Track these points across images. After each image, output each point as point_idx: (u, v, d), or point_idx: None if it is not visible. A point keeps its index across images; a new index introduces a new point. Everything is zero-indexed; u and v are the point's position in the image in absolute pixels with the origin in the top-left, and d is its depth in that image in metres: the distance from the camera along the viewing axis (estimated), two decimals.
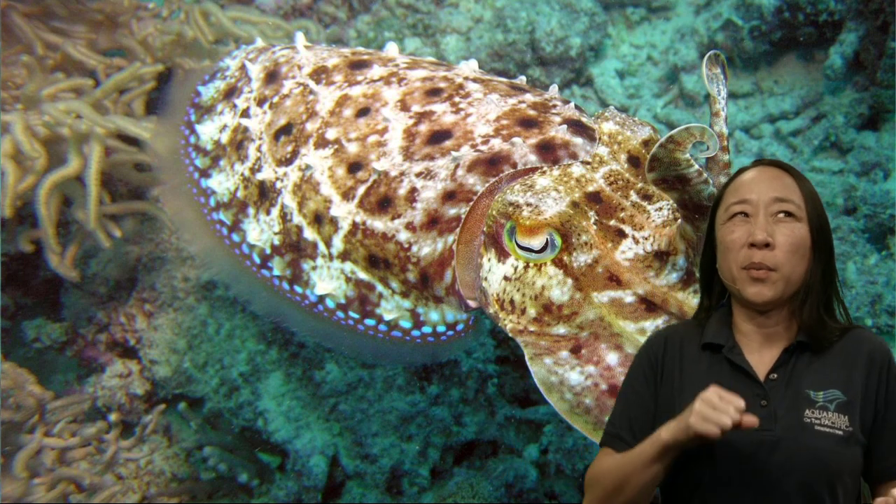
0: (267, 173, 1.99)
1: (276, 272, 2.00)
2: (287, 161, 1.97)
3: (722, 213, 1.34)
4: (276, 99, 2.08)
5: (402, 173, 1.82)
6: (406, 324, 1.90)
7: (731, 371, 1.31)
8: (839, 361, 1.30)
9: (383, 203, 1.82)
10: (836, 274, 1.37)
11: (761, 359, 1.32)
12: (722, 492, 1.27)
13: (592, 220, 1.68)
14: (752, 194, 1.31)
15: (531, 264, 1.69)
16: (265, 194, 1.99)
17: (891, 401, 1.28)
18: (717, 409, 1.16)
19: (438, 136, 1.84)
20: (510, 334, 1.71)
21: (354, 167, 1.87)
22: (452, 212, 1.78)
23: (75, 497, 2.78)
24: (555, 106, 1.91)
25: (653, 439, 1.24)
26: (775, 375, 1.29)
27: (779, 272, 1.27)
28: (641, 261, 1.65)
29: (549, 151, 1.78)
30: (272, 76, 2.15)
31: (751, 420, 1.16)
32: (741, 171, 1.36)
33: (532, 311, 1.69)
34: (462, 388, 3.12)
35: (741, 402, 1.16)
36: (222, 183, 2.09)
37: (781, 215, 1.29)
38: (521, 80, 2.16)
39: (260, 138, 2.05)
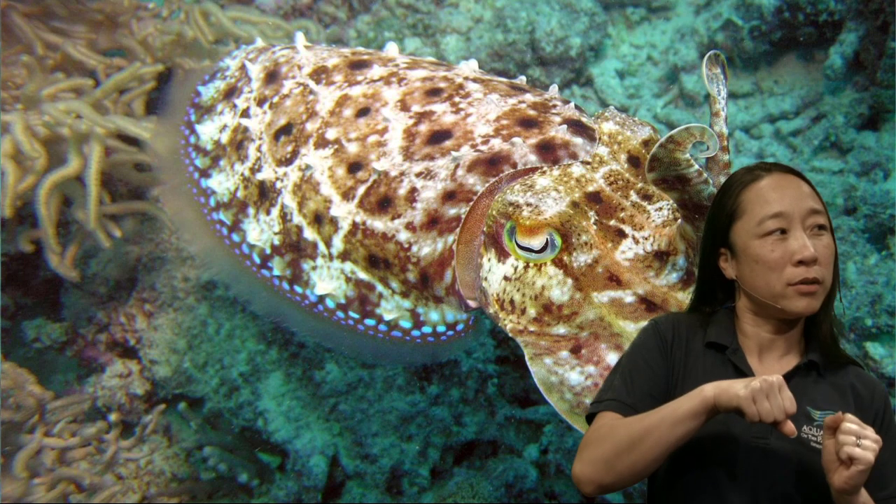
0: (267, 173, 1.99)
1: (276, 272, 2.00)
2: (287, 161, 1.97)
3: (753, 227, 1.31)
4: (276, 99, 2.08)
5: (402, 173, 1.82)
6: (406, 324, 1.90)
7: (733, 373, 1.31)
8: (839, 388, 1.31)
9: (383, 203, 1.82)
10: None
11: (761, 364, 1.33)
12: (709, 492, 1.27)
13: (592, 220, 1.68)
14: (785, 207, 1.29)
15: (531, 264, 1.69)
16: (265, 194, 1.99)
17: (892, 440, 1.29)
18: (770, 397, 1.15)
19: (438, 136, 1.84)
20: (510, 334, 1.71)
21: (354, 167, 1.87)
22: (452, 212, 1.78)
23: (75, 497, 2.78)
24: (555, 106, 1.91)
25: (692, 395, 1.20)
26: None
27: (822, 285, 1.28)
28: (641, 261, 1.65)
29: (549, 151, 1.78)
30: (272, 76, 2.15)
31: (790, 429, 1.16)
32: (756, 178, 1.33)
33: (532, 311, 1.69)
34: (462, 388, 3.12)
35: (794, 407, 1.16)
36: (222, 183, 2.09)
37: (817, 228, 1.29)
38: (521, 80, 2.16)
39: (260, 138, 2.05)
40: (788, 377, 1.29)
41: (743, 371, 1.31)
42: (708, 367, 1.34)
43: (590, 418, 1.36)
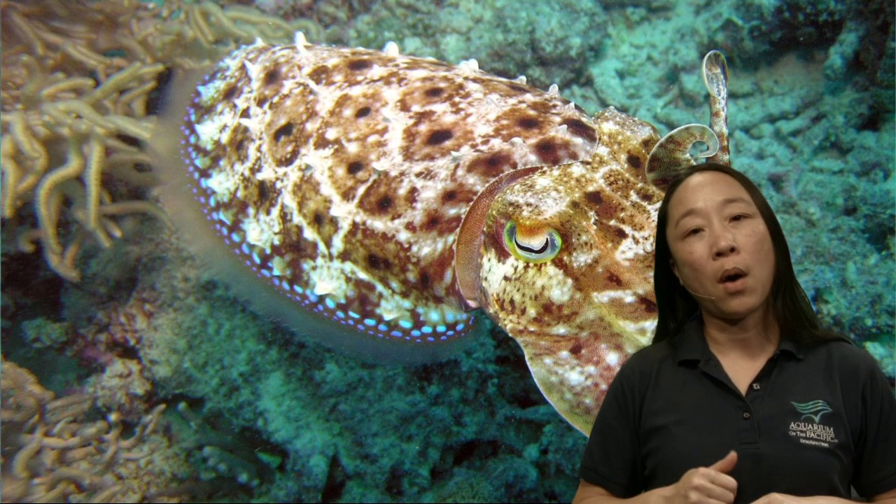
0: (267, 173, 1.99)
1: (276, 272, 2.00)
2: (287, 161, 1.97)
3: (673, 231, 1.30)
4: (276, 99, 2.08)
5: (402, 173, 1.82)
6: (406, 324, 1.90)
7: (710, 386, 1.29)
8: (823, 373, 1.28)
9: (383, 203, 1.82)
10: (792, 268, 1.35)
11: (741, 368, 1.30)
12: None
13: (592, 220, 1.68)
14: (699, 202, 1.27)
15: (531, 264, 1.69)
16: (265, 194, 1.99)
17: (876, 416, 1.26)
18: (711, 495, 1.16)
19: (438, 136, 1.84)
20: (510, 334, 1.71)
21: (354, 167, 1.87)
22: (452, 212, 1.78)
23: (75, 497, 2.78)
24: (555, 106, 1.91)
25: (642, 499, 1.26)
26: (758, 386, 1.27)
27: (752, 276, 1.25)
28: (641, 261, 1.65)
29: (549, 151, 1.78)
30: (272, 76, 2.15)
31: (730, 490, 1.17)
32: (678, 182, 1.33)
33: (532, 311, 1.69)
34: (462, 388, 3.12)
35: (733, 482, 1.17)
36: (222, 183, 2.09)
37: (737, 217, 1.26)
38: (521, 80, 2.16)
39: (260, 138, 2.05)
40: (765, 374, 1.27)
41: (718, 380, 1.28)
42: (684, 385, 1.31)
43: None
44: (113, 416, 3.14)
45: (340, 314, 1.94)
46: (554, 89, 2.03)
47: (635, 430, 1.33)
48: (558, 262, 1.68)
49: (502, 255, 1.73)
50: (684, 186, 1.31)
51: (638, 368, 1.37)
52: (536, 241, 1.67)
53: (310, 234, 1.92)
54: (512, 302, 1.71)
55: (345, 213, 1.86)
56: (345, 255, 1.88)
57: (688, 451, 1.26)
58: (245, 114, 2.11)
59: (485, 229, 1.76)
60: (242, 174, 2.05)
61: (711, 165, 1.35)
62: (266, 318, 2.66)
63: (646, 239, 1.66)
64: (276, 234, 1.97)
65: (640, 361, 1.39)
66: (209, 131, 2.16)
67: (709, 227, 1.26)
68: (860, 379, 1.27)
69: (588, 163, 1.77)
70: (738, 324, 1.29)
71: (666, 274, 1.35)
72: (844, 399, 1.25)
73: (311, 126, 1.98)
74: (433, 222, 1.79)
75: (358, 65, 2.09)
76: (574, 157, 1.78)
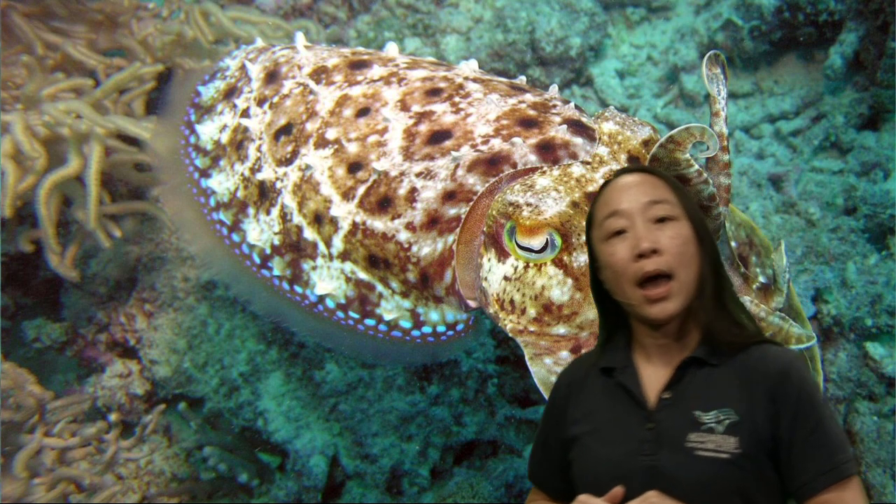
0: (267, 173, 1.99)
1: (276, 272, 2.00)
2: (287, 161, 1.97)
3: (597, 232, 1.28)
4: (276, 99, 2.08)
5: (402, 173, 1.82)
6: (406, 324, 1.90)
7: (622, 395, 1.27)
8: (737, 377, 1.23)
9: (383, 203, 1.82)
10: (724, 268, 1.31)
11: (660, 376, 1.27)
12: None
13: None
14: (623, 204, 1.25)
15: (531, 264, 1.69)
16: (265, 194, 1.99)
17: (789, 420, 1.20)
18: None
19: (438, 136, 1.84)
20: (510, 334, 1.71)
21: (354, 167, 1.87)
22: (452, 212, 1.78)
23: (75, 497, 2.78)
24: (555, 106, 1.91)
25: None
26: (668, 395, 1.24)
27: (676, 279, 1.21)
28: None
29: (549, 151, 1.78)
30: (272, 76, 2.15)
31: None
32: (606, 184, 1.31)
33: (532, 311, 1.69)
34: (462, 388, 3.12)
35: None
36: (222, 183, 2.09)
37: (661, 219, 1.23)
38: (521, 80, 2.16)
39: (260, 138, 2.05)
40: (675, 382, 1.24)
41: (630, 390, 1.27)
42: (601, 393, 1.30)
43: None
44: (113, 416, 3.14)
45: (340, 314, 1.94)
46: (554, 89, 2.03)
47: (560, 440, 1.33)
48: (558, 262, 1.68)
49: (502, 255, 1.73)
50: (610, 187, 1.29)
51: (569, 376, 1.37)
52: (536, 241, 1.67)
53: (310, 234, 1.92)
54: (512, 302, 1.71)
55: (345, 213, 1.86)
56: (345, 255, 1.88)
57: (595, 464, 1.26)
58: (245, 114, 2.11)
59: (485, 229, 1.76)
60: (242, 174, 2.05)
61: (640, 167, 1.34)
62: (266, 318, 2.66)
63: None
64: (276, 234, 1.97)
65: (572, 369, 1.38)
66: (209, 131, 2.16)
67: (632, 229, 1.23)
68: (771, 380, 1.22)
69: (588, 163, 1.77)
70: (660, 329, 1.26)
71: (598, 276, 1.32)
72: (753, 405, 1.21)
73: (311, 126, 1.98)
74: (433, 222, 1.79)
75: (358, 65, 2.09)
76: (574, 157, 1.78)
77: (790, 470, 1.20)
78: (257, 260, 2.02)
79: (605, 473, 1.22)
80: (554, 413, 1.36)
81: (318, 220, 1.90)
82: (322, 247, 1.91)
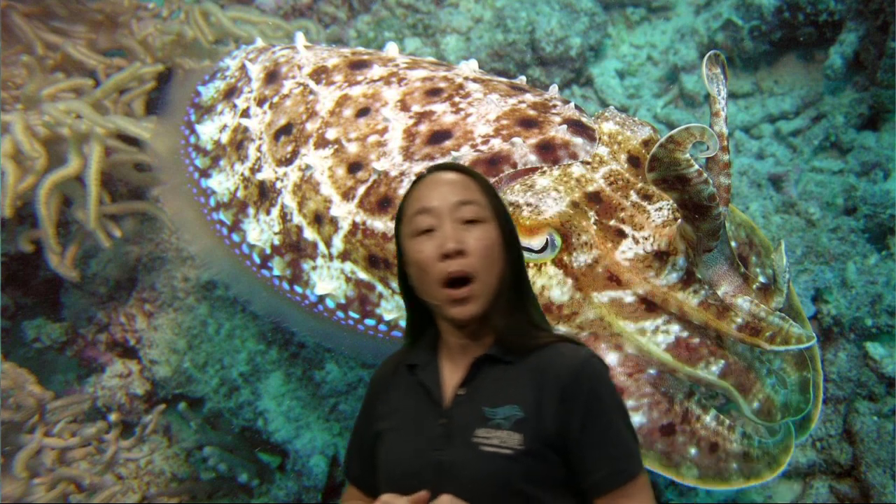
0: (267, 173, 1.99)
1: (276, 272, 2.00)
2: (287, 161, 1.97)
3: (406, 228, 1.28)
4: (276, 99, 2.08)
5: (402, 173, 1.82)
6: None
7: (422, 390, 1.29)
8: (529, 375, 1.24)
9: (383, 203, 1.82)
10: (526, 273, 1.33)
11: (458, 373, 1.28)
12: None
13: (592, 220, 1.68)
14: (433, 202, 1.26)
15: (531, 264, 1.69)
16: (265, 194, 1.99)
17: (578, 419, 1.21)
18: None
19: (438, 136, 1.84)
20: None
21: (354, 167, 1.87)
22: None
23: (75, 497, 2.78)
24: (555, 106, 1.91)
25: None
26: (463, 391, 1.26)
27: (479, 281, 1.23)
28: (641, 261, 1.65)
29: (549, 151, 1.78)
30: (272, 76, 2.15)
31: None
32: (418, 179, 1.32)
33: None
34: None
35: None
36: (222, 183, 2.09)
37: (470, 221, 1.24)
38: (521, 80, 2.16)
39: (260, 138, 2.05)
40: (470, 379, 1.26)
41: (427, 386, 1.28)
42: (405, 391, 1.32)
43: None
44: (113, 416, 3.14)
45: (340, 314, 1.94)
46: (554, 89, 2.03)
47: (370, 434, 1.35)
48: (558, 262, 1.68)
49: None
50: (422, 184, 1.30)
51: (381, 372, 1.39)
52: (536, 241, 1.67)
53: (310, 234, 1.92)
54: None
55: (345, 213, 1.86)
56: (345, 255, 1.88)
57: (391, 459, 1.27)
58: (245, 114, 2.11)
59: None
60: (242, 174, 2.05)
61: (453, 166, 1.33)
62: (266, 318, 2.67)
63: (646, 239, 1.66)
64: (276, 234, 1.97)
65: (385, 365, 1.39)
66: (209, 131, 2.16)
67: (440, 228, 1.24)
68: (562, 378, 1.23)
69: (588, 163, 1.77)
70: (463, 328, 1.27)
71: (406, 273, 1.32)
72: (542, 403, 1.22)
73: (311, 126, 1.98)
74: None
75: (358, 65, 2.09)
76: (574, 157, 1.78)
77: (581, 468, 1.22)
78: (257, 260, 2.02)
79: (399, 469, 1.24)
80: (366, 409, 1.39)
81: (319, 220, 1.90)
82: (322, 247, 1.91)
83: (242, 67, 2.24)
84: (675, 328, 1.63)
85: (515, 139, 1.79)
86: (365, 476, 1.36)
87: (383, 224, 1.82)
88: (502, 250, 1.26)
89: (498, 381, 1.26)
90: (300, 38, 2.25)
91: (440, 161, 1.76)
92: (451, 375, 1.29)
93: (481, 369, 1.27)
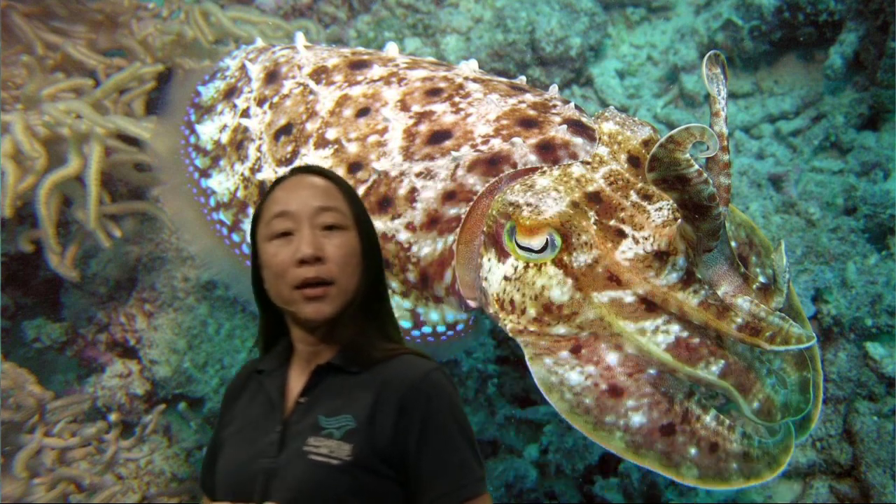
0: (267, 173, 1.99)
1: None
2: (287, 161, 1.97)
3: (263, 229, 1.26)
4: (276, 99, 2.08)
5: (402, 173, 1.82)
6: (406, 324, 1.90)
7: (266, 397, 1.28)
8: (370, 386, 1.23)
9: (383, 203, 1.82)
10: (384, 284, 1.32)
11: (303, 380, 1.27)
12: None
13: (592, 220, 1.68)
14: (292, 205, 1.24)
15: (531, 264, 1.69)
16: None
17: (416, 432, 1.20)
18: None
19: (438, 136, 1.84)
20: (510, 334, 1.71)
21: (354, 167, 1.87)
22: (452, 212, 1.78)
23: (75, 497, 2.78)
24: (555, 106, 1.90)
25: None
26: (304, 399, 1.25)
27: (336, 285, 1.22)
28: (641, 261, 1.65)
29: (549, 151, 1.78)
30: (272, 76, 2.15)
31: None
32: (279, 181, 1.29)
33: (532, 311, 1.68)
34: (462, 388, 3.12)
35: None
36: (222, 183, 2.09)
37: (330, 227, 1.23)
38: (521, 80, 2.16)
39: (260, 138, 2.05)
40: (311, 387, 1.25)
41: (270, 394, 1.27)
42: (252, 397, 1.31)
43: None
44: (113, 416, 3.14)
45: None
46: (554, 89, 2.03)
47: (218, 442, 1.33)
48: (558, 262, 1.67)
49: (502, 255, 1.73)
50: (282, 186, 1.28)
51: (235, 381, 1.37)
52: (536, 241, 1.67)
53: None
54: (512, 302, 1.71)
55: None
56: None
57: (227, 466, 1.26)
58: (245, 114, 2.11)
59: (485, 229, 1.76)
60: (242, 174, 2.05)
61: (317, 169, 1.32)
62: None
63: (646, 239, 1.66)
64: None
65: (239, 373, 1.37)
66: (209, 131, 2.16)
67: (298, 233, 1.23)
68: (402, 391, 1.21)
69: (588, 163, 1.77)
70: (314, 333, 1.26)
71: (260, 276, 1.30)
72: (377, 414, 1.20)
73: (311, 126, 1.98)
74: (433, 222, 1.79)
75: (358, 65, 2.09)
76: (574, 157, 1.78)
77: (418, 484, 1.20)
78: None
79: (230, 476, 1.23)
80: (219, 417, 1.36)
81: None
82: None
83: (242, 67, 2.24)
84: (675, 328, 1.63)
85: (515, 139, 1.79)
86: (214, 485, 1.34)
87: (383, 224, 1.82)
88: (361, 259, 1.25)
89: (338, 391, 1.24)
90: (300, 38, 2.25)
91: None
92: (297, 384, 1.27)
93: (324, 378, 1.25)
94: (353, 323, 1.26)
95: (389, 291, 1.88)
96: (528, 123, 1.83)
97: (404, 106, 1.93)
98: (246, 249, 2.05)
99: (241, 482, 1.22)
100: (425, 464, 1.19)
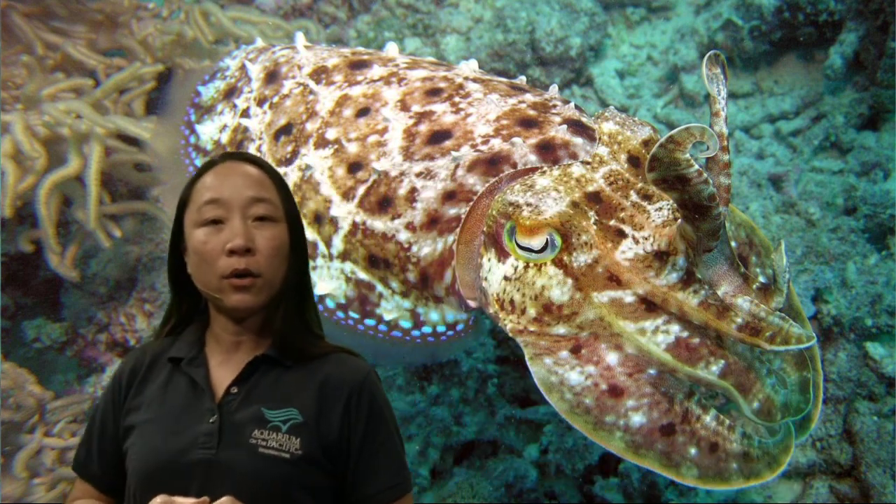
0: None
1: None
2: (287, 161, 1.97)
3: (192, 214, 1.25)
4: (276, 99, 2.08)
5: (402, 173, 1.82)
6: (406, 324, 1.90)
7: (188, 385, 1.26)
8: (310, 381, 1.25)
9: (383, 203, 1.82)
10: (309, 278, 1.32)
11: (232, 371, 1.27)
12: None
13: (592, 220, 1.68)
14: (224, 192, 1.23)
15: (531, 264, 1.69)
16: None
17: (360, 430, 1.23)
18: None
19: (438, 136, 1.84)
20: (510, 334, 1.71)
21: (354, 167, 1.87)
22: (452, 212, 1.78)
23: None
24: (555, 106, 1.90)
25: None
26: (235, 389, 1.25)
27: (263, 277, 1.22)
28: (641, 261, 1.65)
29: (549, 151, 1.78)
30: (272, 76, 2.15)
31: None
32: (207, 166, 1.28)
33: (532, 311, 1.68)
34: (462, 388, 3.12)
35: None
36: None
37: (261, 218, 1.23)
38: (521, 80, 2.16)
39: (260, 138, 2.05)
40: (244, 378, 1.24)
41: (196, 381, 1.26)
42: (165, 384, 1.28)
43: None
44: None
45: (340, 314, 1.94)
46: (554, 89, 2.03)
47: (116, 427, 1.30)
48: (558, 262, 1.67)
49: (502, 255, 1.73)
50: (215, 172, 1.27)
51: (132, 363, 1.34)
52: (536, 241, 1.67)
53: (310, 234, 1.92)
54: (512, 302, 1.71)
55: (345, 213, 1.86)
56: (345, 255, 1.88)
57: (151, 455, 1.23)
58: (245, 114, 2.11)
59: (485, 229, 1.76)
60: None
61: (250, 157, 1.31)
62: None
63: (646, 239, 1.66)
64: None
65: (137, 356, 1.35)
66: (209, 131, 2.16)
67: (229, 222, 1.23)
68: (346, 389, 1.24)
69: (588, 163, 1.77)
70: (240, 323, 1.27)
71: (179, 259, 1.29)
72: (324, 410, 1.22)
73: (311, 126, 1.98)
74: (433, 222, 1.79)
75: (358, 65, 2.09)
76: (574, 157, 1.78)
77: (356, 480, 1.23)
78: None
79: (160, 465, 1.21)
80: (112, 399, 1.32)
81: (318, 219, 1.90)
82: (322, 247, 1.91)
83: (242, 67, 2.24)
84: (675, 328, 1.62)
85: (515, 139, 1.79)
86: (106, 476, 1.31)
87: (383, 224, 1.82)
88: (289, 253, 1.26)
89: (276, 384, 1.24)
90: (300, 38, 2.25)
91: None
92: (222, 373, 1.26)
93: (258, 369, 1.26)
94: (282, 316, 1.27)
95: (390, 291, 1.88)
96: (528, 123, 1.83)
97: (404, 106, 1.93)
98: None
99: (170, 473, 1.19)
100: (368, 459, 1.24)
